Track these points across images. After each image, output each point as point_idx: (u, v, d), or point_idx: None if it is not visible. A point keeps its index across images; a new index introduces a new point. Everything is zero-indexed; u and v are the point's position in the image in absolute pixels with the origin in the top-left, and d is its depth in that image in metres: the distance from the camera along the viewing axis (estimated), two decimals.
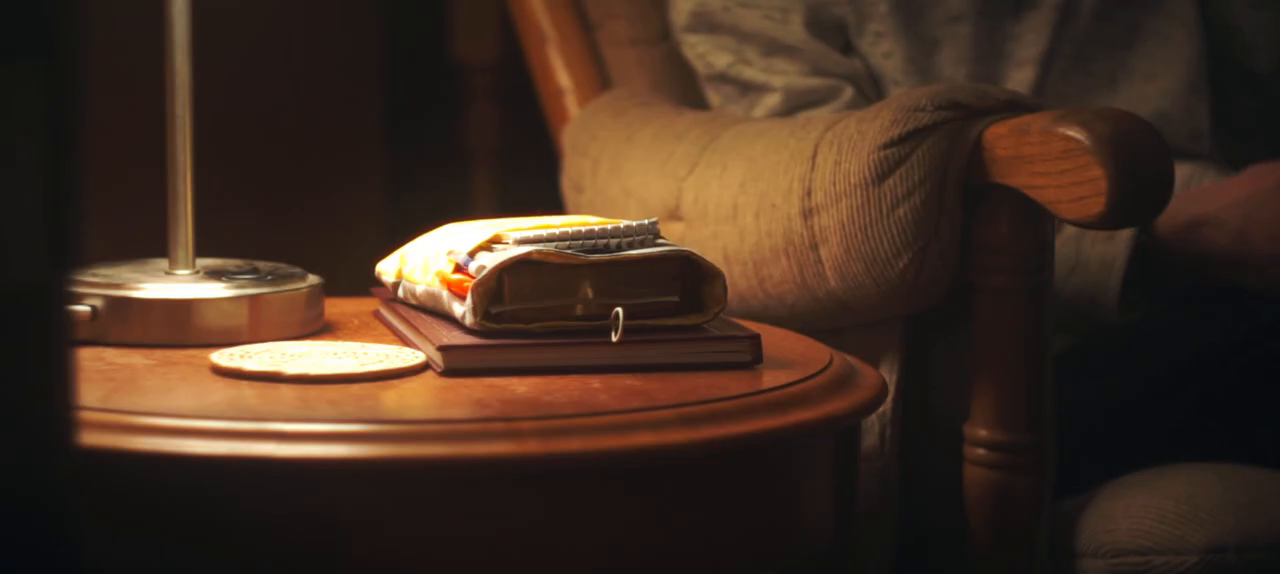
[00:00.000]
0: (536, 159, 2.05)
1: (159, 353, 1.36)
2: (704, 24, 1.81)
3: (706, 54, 1.81)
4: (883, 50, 1.76)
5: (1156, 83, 1.77)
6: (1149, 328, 1.61)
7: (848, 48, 1.79)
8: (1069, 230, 1.60)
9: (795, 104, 1.75)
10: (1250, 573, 1.45)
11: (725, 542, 1.25)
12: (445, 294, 1.35)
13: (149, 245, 1.50)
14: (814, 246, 1.50)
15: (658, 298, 1.33)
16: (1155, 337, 1.61)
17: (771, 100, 1.76)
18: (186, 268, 1.43)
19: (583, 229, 1.33)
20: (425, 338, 1.33)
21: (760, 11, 1.78)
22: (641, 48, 1.91)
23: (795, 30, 1.77)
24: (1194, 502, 1.47)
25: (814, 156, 1.50)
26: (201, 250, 1.45)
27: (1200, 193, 1.61)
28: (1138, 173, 1.38)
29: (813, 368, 1.32)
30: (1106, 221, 1.39)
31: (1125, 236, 1.59)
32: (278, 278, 1.43)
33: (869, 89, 1.77)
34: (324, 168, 2.26)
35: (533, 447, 1.17)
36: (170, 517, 1.18)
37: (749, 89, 1.78)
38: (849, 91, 1.75)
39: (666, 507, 1.23)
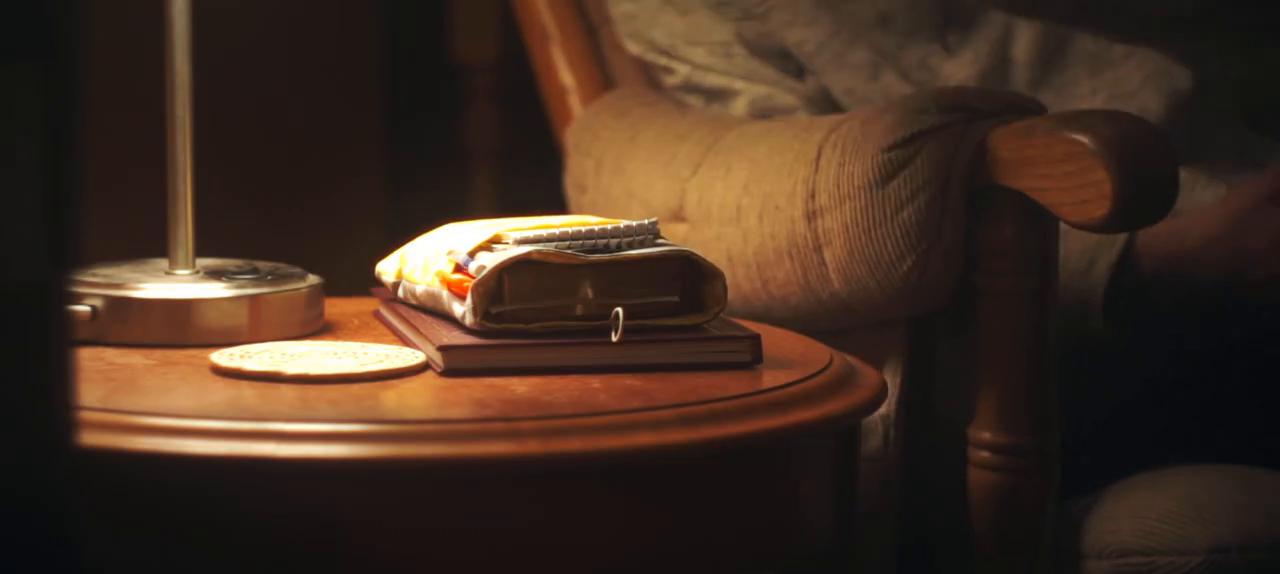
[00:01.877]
0: (536, 159, 2.05)
1: (159, 353, 1.36)
2: (660, 51, 1.83)
3: (667, 66, 1.82)
4: (824, 83, 1.77)
5: (1134, 102, 1.76)
6: (1150, 330, 1.61)
7: (802, 71, 1.79)
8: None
9: (761, 111, 1.76)
10: (1253, 573, 1.45)
11: (725, 542, 1.25)
12: (445, 294, 1.35)
13: (149, 245, 1.50)
14: (818, 249, 1.50)
15: (658, 298, 1.33)
16: (1156, 339, 1.60)
17: (739, 105, 1.77)
18: (186, 268, 1.43)
19: (583, 229, 1.33)
20: (425, 338, 1.33)
21: (705, 48, 1.79)
22: None
23: (741, 63, 1.78)
24: (1198, 502, 1.47)
25: (818, 159, 1.50)
26: (201, 250, 1.45)
27: (1178, 228, 1.59)
28: (1142, 176, 1.38)
29: (813, 368, 1.32)
30: (1111, 225, 1.39)
31: (1101, 270, 1.57)
32: (278, 278, 1.43)
33: (827, 107, 1.77)
34: (324, 168, 2.26)
35: (533, 447, 1.17)
36: (170, 517, 1.18)
37: (714, 97, 1.79)
38: (806, 113, 1.75)
39: (666, 507, 1.22)
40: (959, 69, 1.74)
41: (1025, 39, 1.75)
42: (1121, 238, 1.55)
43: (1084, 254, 1.55)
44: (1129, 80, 1.74)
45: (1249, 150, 1.74)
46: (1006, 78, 1.73)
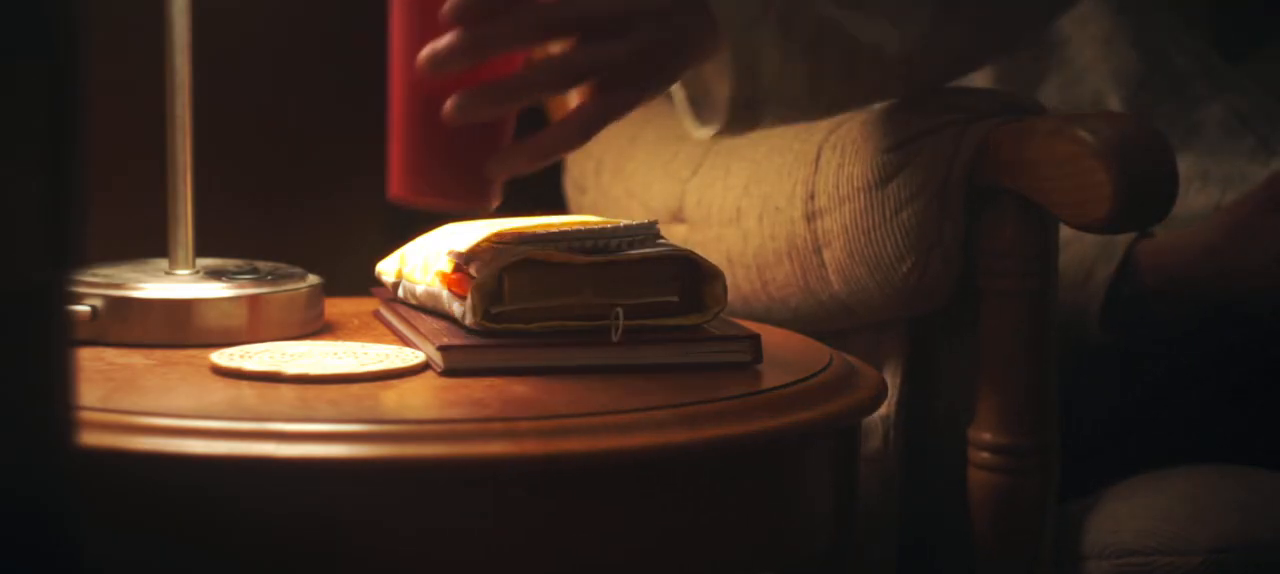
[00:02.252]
0: None
1: (159, 353, 1.36)
2: None
3: None
4: None
5: (1085, 84, 1.76)
6: (1148, 335, 1.61)
7: None
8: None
9: None
10: (1254, 573, 1.45)
11: (725, 542, 1.25)
12: (445, 294, 1.35)
13: (149, 245, 1.50)
14: (817, 250, 1.50)
15: (658, 298, 1.33)
16: (1155, 344, 1.60)
17: None
18: (186, 268, 1.43)
19: (583, 229, 1.34)
20: (425, 338, 1.33)
21: None
22: None
23: None
24: (1199, 502, 1.47)
25: (817, 160, 1.50)
26: (201, 250, 1.45)
27: (1176, 241, 1.58)
28: (1142, 176, 1.38)
29: (813, 368, 1.32)
30: (1110, 225, 1.39)
31: (1099, 283, 1.57)
32: (278, 278, 1.43)
33: None
34: (324, 168, 2.26)
35: (532, 447, 1.17)
36: (170, 517, 1.18)
37: None
38: None
39: (666, 507, 1.22)
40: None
41: None
42: (1120, 250, 1.55)
43: (1082, 266, 1.55)
44: (1073, 63, 1.73)
45: (1253, 118, 1.73)
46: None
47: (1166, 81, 1.73)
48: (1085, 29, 1.73)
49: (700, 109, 1.39)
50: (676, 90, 1.38)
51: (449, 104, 1.24)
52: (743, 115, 1.35)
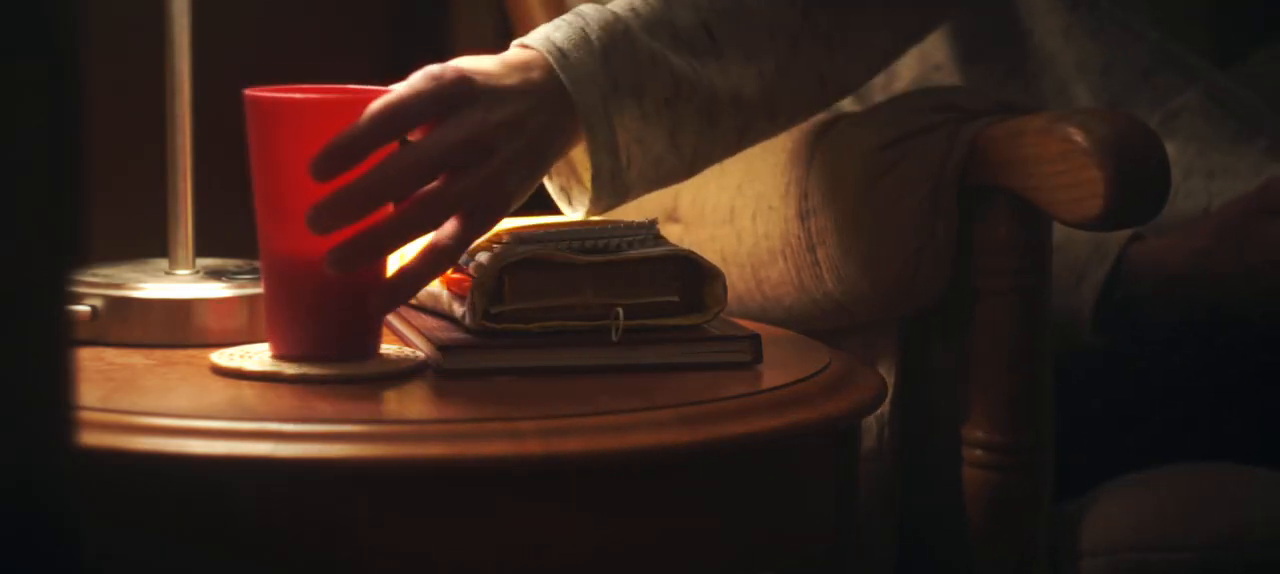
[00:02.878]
0: None
1: (159, 353, 1.36)
2: None
3: None
4: None
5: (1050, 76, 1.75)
6: (1142, 336, 1.61)
7: None
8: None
9: None
10: (1247, 570, 1.45)
11: (724, 542, 1.25)
12: (445, 294, 1.35)
13: (149, 245, 1.49)
14: (811, 248, 1.50)
15: (658, 298, 1.33)
16: (1149, 346, 1.60)
17: None
18: (186, 268, 1.43)
19: (583, 229, 1.34)
20: (425, 338, 1.33)
21: None
22: None
23: None
24: (1193, 499, 1.47)
25: (811, 159, 1.50)
26: (201, 250, 1.45)
27: (1166, 246, 1.58)
28: (1135, 173, 1.38)
29: (812, 368, 1.32)
30: (1104, 222, 1.39)
31: (1090, 288, 1.57)
32: None
33: None
34: None
35: (533, 447, 1.17)
36: (170, 517, 1.18)
37: None
38: None
39: (666, 507, 1.23)
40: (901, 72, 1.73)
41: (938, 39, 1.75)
42: (1112, 253, 1.55)
43: (1074, 270, 1.55)
44: (1037, 55, 1.73)
45: (1230, 100, 1.72)
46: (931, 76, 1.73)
47: (1131, 71, 1.72)
48: (1045, 21, 1.73)
49: (571, 191, 1.40)
50: (546, 180, 1.39)
51: (328, 259, 1.25)
52: (609, 187, 1.36)
